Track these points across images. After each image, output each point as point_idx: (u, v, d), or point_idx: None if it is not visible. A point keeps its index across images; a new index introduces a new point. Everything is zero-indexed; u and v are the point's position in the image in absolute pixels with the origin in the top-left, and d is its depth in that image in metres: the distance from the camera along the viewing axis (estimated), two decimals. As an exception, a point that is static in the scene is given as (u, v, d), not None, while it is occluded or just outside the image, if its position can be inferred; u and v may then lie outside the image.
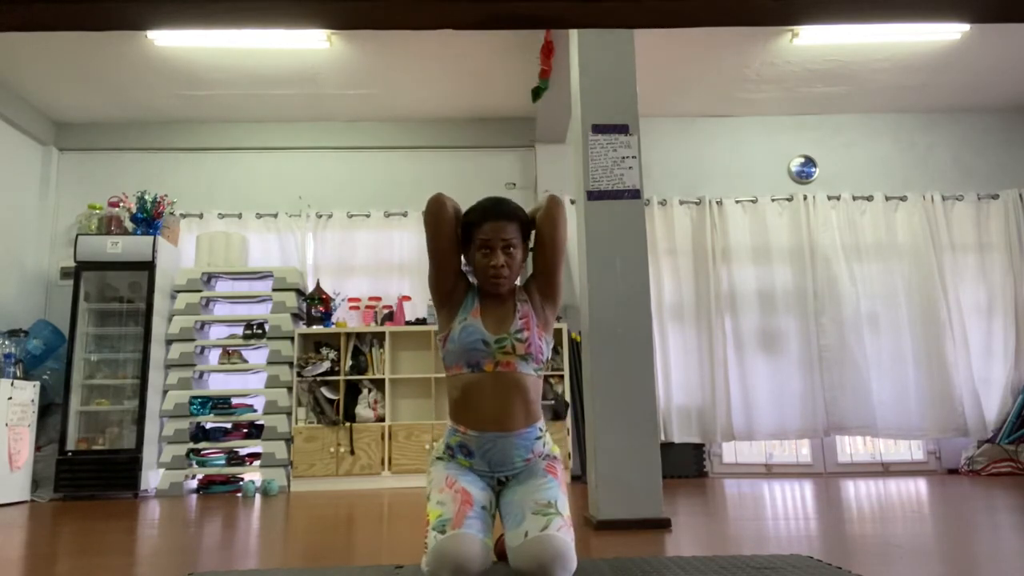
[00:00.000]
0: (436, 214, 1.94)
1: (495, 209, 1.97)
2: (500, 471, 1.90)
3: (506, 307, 1.97)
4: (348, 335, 5.51)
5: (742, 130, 6.21)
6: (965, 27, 4.86)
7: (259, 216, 6.00)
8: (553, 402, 5.32)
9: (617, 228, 3.15)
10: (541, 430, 1.95)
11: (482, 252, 1.94)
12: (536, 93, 4.76)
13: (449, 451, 1.95)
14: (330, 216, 6.02)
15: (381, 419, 5.36)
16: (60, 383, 5.25)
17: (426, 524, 1.79)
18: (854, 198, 6.00)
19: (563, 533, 1.73)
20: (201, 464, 5.27)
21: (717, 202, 6.00)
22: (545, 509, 1.77)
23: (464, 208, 2.04)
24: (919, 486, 4.60)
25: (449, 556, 1.67)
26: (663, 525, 2.92)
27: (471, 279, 2.04)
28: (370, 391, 5.47)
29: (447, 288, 1.99)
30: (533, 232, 2.05)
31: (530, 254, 2.08)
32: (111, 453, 5.13)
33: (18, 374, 4.96)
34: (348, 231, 6.02)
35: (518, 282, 2.07)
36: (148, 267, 5.32)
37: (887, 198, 6.00)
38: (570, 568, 1.70)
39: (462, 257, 2.02)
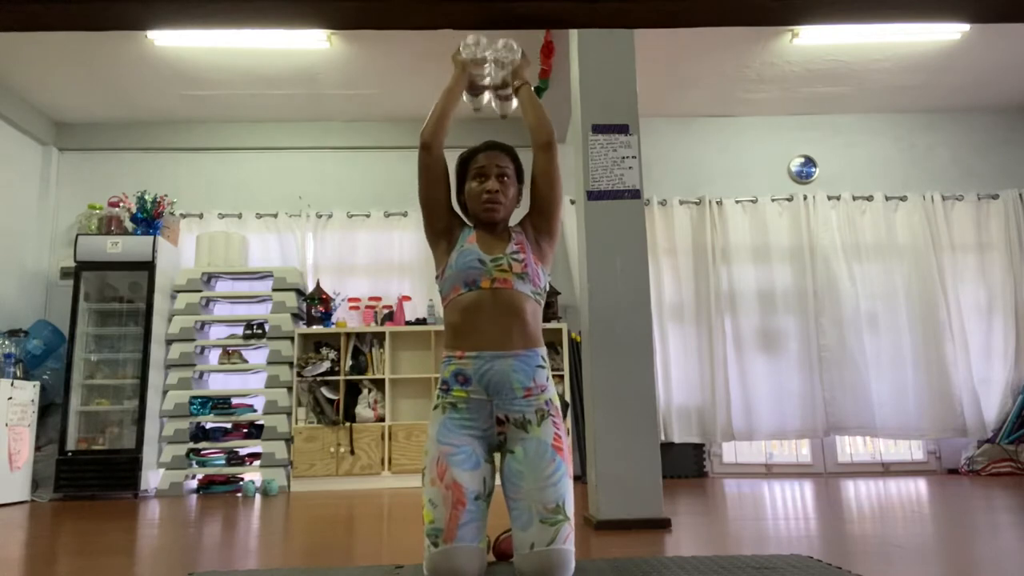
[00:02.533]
0: (424, 159, 1.99)
1: (490, 142, 2.06)
2: (499, 401, 1.84)
3: (501, 236, 1.98)
4: (348, 335, 5.51)
5: (742, 130, 6.21)
6: (965, 27, 4.86)
7: (259, 216, 6.00)
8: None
9: (617, 228, 3.15)
10: (543, 359, 1.92)
11: (477, 180, 2.00)
12: (536, 93, 4.74)
13: (444, 387, 1.89)
14: (330, 216, 6.02)
15: (381, 419, 5.36)
16: (60, 383, 5.25)
17: (423, 518, 1.79)
18: (854, 198, 6.00)
19: (568, 543, 1.75)
20: (201, 464, 5.27)
21: (717, 202, 6.00)
22: (553, 516, 1.75)
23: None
24: (919, 486, 4.60)
25: (442, 573, 1.70)
26: (663, 525, 2.91)
27: (466, 221, 2.06)
28: (370, 391, 5.47)
29: (442, 225, 2.00)
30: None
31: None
32: (111, 453, 5.13)
33: (18, 374, 4.96)
34: (348, 231, 6.02)
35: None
36: (148, 267, 5.32)
37: (887, 198, 6.00)
38: (569, 569, 1.74)
39: (455, 205, 2.05)
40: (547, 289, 2.02)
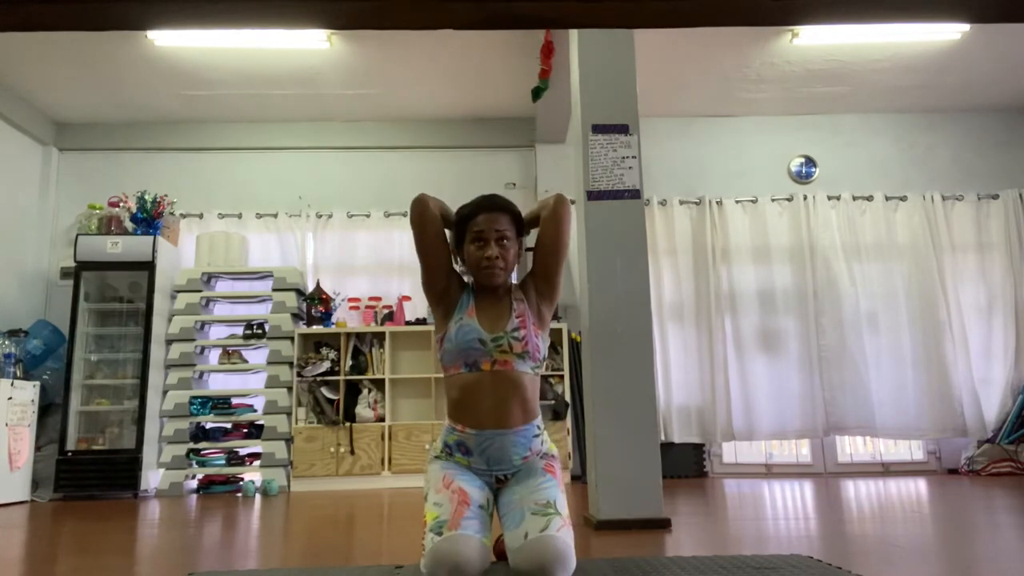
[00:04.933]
0: (420, 213, 1.97)
1: (488, 201, 2.00)
2: (498, 469, 1.91)
3: (502, 305, 1.97)
4: (348, 335, 5.51)
5: (742, 130, 6.21)
6: (965, 27, 4.86)
7: (259, 216, 6.01)
8: (553, 402, 5.32)
9: (617, 228, 3.15)
10: (539, 428, 1.96)
11: (476, 244, 1.96)
12: (536, 93, 4.76)
13: (447, 450, 1.95)
14: (330, 216, 6.02)
15: (381, 419, 5.36)
16: (60, 383, 5.25)
17: (424, 526, 1.78)
18: (854, 198, 6.00)
19: (563, 533, 1.73)
20: (201, 464, 5.27)
21: (717, 202, 6.00)
22: (544, 509, 1.77)
23: (455, 208, 2.06)
24: (919, 486, 4.60)
25: (446, 558, 1.65)
26: (663, 525, 2.91)
27: (466, 279, 2.05)
28: (370, 391, 5.47)
29: (440, 288, 1.99)
30: (535, 231, 2.07)
31: (529, 255, 2.09)
32: (111, 453, 5.13)
33: (18, 374, 4.96)
34: (348, 231, 6.02)
35: (514, 280, 2.08)
36: (148, 267, 5.32)
37: (887, 198, 6.00)
38: (570, 568, 1.70)
39: (456, 259, 2.04)
40: (546, 357, 2.07)
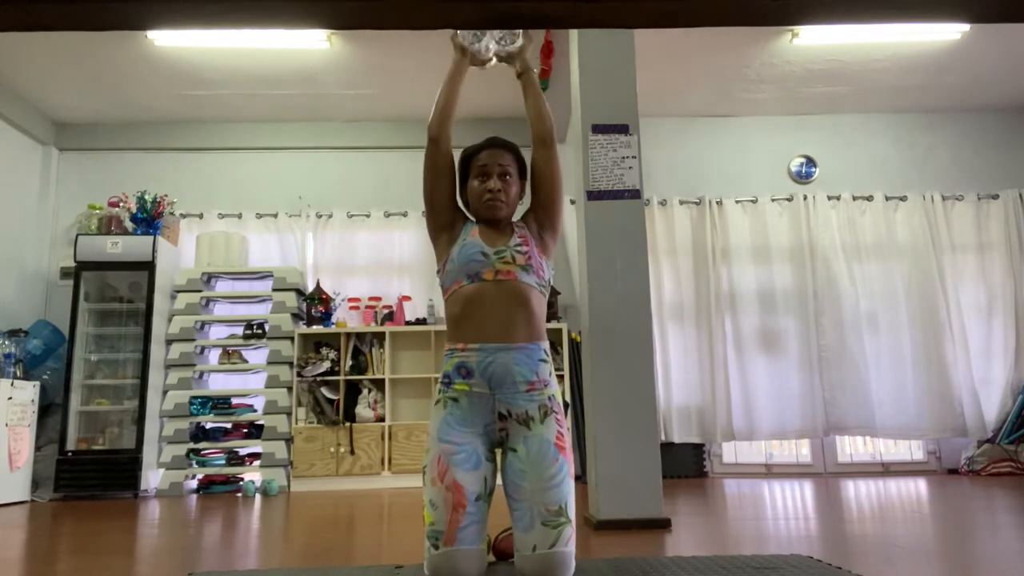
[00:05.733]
0: (434, 140, 2.00)
1: (491, 140, 2.05)
2: (501, 395, 1.82)
3: (504, 231, 1.98)
4: (348, 335, 5.51)
5: (742, 130, 6.21)
6: (965, 27, 4.86)
7: (259, 216, 6.01)
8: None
9: (617, 228, 3.15)
10: (546, 353, 1.89)
11: (479, 179, 1.98)
12: (536, 93, 4.75)
13: (446, 384, 1.86)
14: (330, 216, 6.02)
15: (381, 419, 5.36)
16: (60, 383, 5.25)
17: (423, 519, 1.79)
18: (854, 198, 6.00)
19: (569, 546, 1.75)
20: (201, 464, 5.27)
21: (717, 202, 6.00)
22: (556, 519, 1.74)
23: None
24: (919, 486, 4.60)
25: (443, 575, 1.71)
26: (663, 525, 2.91)
27: (469, 216, 2.05)
28: (370, 391, 5.47)
29: (444, 220, 2.00)
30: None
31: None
32: (111, 453, 5.13)
33: (18, 374, 4.96)
34: (348, 231, 6.02)
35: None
36: (148, 267, 5.32)
37: (887, 198, 6.00)
38: (570, 572, 1.75)
39: (458, 199, 2.05)
40: (551, 282, 2.01)
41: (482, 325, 1.84)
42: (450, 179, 2.02)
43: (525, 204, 2.11)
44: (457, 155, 2.04)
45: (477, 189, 1.98)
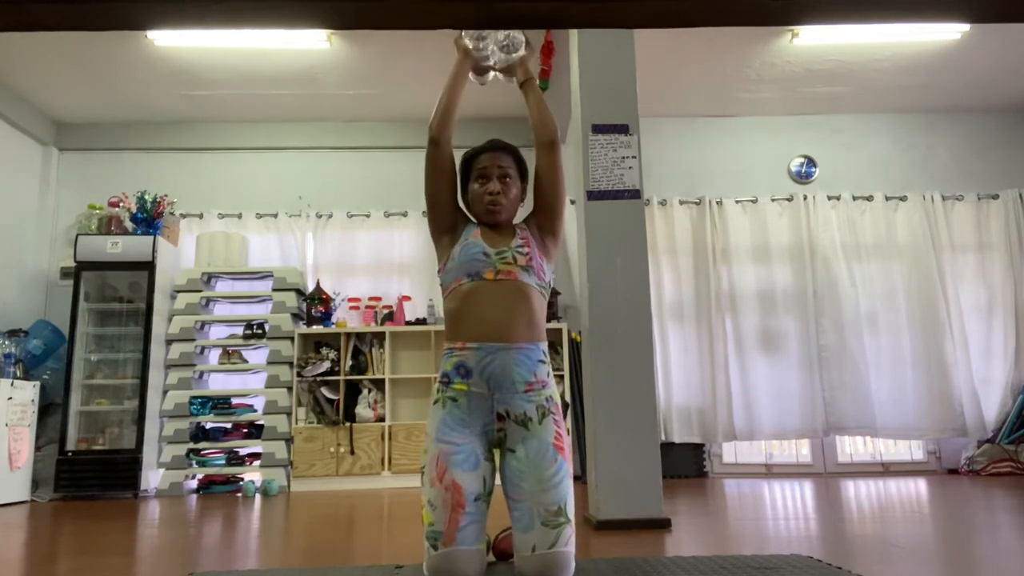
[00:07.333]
0: (435, 141, 1.98)
1: (492, 142, 2.05)
2: (499, 395, 1.81)
3: (506, 232, 1.98)
4: (348, 335, 5.51)
5: (742, 130, 6.21)
6: (965, 27, 4.86)
7: (259, 216, 6.01)
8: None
9: (617, 228, 3.15)
10: (545, 354, 1.89)
11: (479, 182, 1.99)
12: (536, 93, 4.75)
13: (445, 383, 1.85)
14: (330, 216, 6.02)
15: (381, 419, 5.36)
16: (60, 383, 5.25)
17: (422, 518, 1.79)
18: (854, 198, 6.00)
19: (569, 546, 1.75)
20: (201, 464, 5.27)
21: (717, 202, 6.00)
22: (555, 519, 1.74)
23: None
24: (919, 486, 4.60)
25: None
26: (663, 525, 2.91)
27: (471, 218, 2.05)
28: (370, 391, 5.47)
29: (446, 222, 2.00)
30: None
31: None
32: (111, 453, 5.13)
33: (18, 374, 4.96)
34: (348, 231, 6.02)
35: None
36: (148, 267, 5.32)
37: (887, 198, 6.00)
38: (570, 572, 1.75)
39: (460, 202, 2.05)
40: (551, 285, 2.01)
41: (481, 323, 1.84)
42: (451, 180, 2.02)
43: (527, 207, 2.11)
44: (458, 156, 2.04)
45: (477, 191, 1.99)
